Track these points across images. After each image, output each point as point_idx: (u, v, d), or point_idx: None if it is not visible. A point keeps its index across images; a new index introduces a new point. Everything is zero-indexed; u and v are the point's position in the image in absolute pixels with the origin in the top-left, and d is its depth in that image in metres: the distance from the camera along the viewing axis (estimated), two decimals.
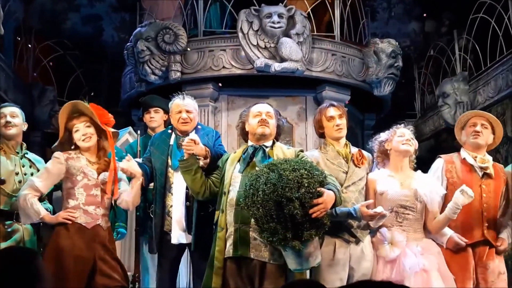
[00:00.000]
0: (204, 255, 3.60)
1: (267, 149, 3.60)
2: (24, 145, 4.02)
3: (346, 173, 3.64)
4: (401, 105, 8.38)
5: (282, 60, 6.17)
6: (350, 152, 3.72)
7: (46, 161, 3.96)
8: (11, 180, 3.82)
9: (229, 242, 3.42)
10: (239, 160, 3.60)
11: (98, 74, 8.74)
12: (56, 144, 3.82)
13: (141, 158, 4.10)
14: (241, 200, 3.34)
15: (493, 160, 3.98)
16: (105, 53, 8.75)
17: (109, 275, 3.62)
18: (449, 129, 6.92)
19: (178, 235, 3.81)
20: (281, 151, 3.62)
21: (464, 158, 3.90)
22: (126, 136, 5.72)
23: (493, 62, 6.70)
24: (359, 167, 3.70)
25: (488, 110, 5.84)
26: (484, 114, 4.03)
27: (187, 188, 3.78)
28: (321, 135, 3.83)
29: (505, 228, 3.88)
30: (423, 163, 4.04)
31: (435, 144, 8.15)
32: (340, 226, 3.56)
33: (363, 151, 3.83)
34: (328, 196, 3.19)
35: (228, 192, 3.49)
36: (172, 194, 3.86)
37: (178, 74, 6.37)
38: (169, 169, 3.88)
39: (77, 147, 3.78)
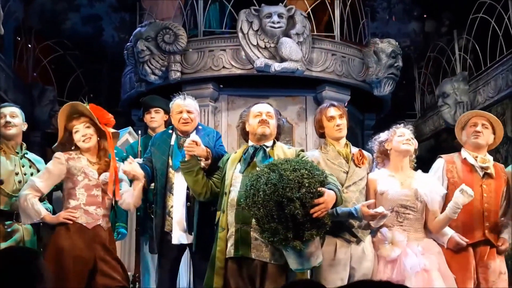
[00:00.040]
0: (205, 256, 3.60)
1: (267, 149, 3.60)
2: (24, 145, 4.01)
3: (347, 173, 3.64)
4: (401, 105, 8.37)
5: (282, 60, 6.16)
6: (350, 152, 3.72)
7: (46, 161, 3.96)
8: (11, 180, 3.82)
9: (230, 242, 3.42)
10: (239, 161, 3.60)
11: (98, 74, 8.72)
12: (56, 144, 3.82)
13: (142, 159, 4.10)
14: (242, 200, 3.34)
15: (493, 160, 3.98)
16: (105, 53, 8.74)
17: (109, 275, 3.62)
18: (449, 129, 6.92)
19: (179, 235, 3.81)
20: (282, 151, 3.62)
21: (465, 158, 3.90)
22: (126, 136, 5.71)
23: (493, 62, 6.69)
24: (359, 167, 3.70)
25: (488, 110, 5.82)
26: (485, 114, 4.03)
27: (187, 189, 3.78)
28: (322, 135, 3.83)
29: (506, 228, 3.88)
30: (423, 163, 4.04)
31: (435, 144, 8.14)
32: (341, 226, 3.56)
33: (364, 151, 3.83)
34: (329, 196, 3.18)
35: (229, 192, 3.49)
36: (172, 194, 3.85)
37: (178, 74, 6.36)
38: (170, 169, 3.88)
39: (77, 148, 3.78)
